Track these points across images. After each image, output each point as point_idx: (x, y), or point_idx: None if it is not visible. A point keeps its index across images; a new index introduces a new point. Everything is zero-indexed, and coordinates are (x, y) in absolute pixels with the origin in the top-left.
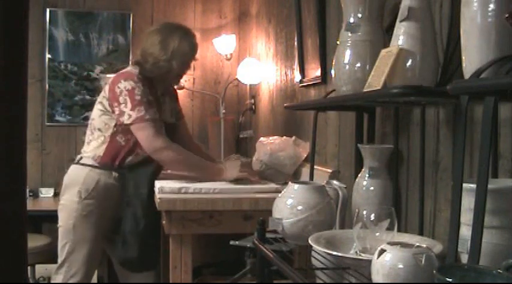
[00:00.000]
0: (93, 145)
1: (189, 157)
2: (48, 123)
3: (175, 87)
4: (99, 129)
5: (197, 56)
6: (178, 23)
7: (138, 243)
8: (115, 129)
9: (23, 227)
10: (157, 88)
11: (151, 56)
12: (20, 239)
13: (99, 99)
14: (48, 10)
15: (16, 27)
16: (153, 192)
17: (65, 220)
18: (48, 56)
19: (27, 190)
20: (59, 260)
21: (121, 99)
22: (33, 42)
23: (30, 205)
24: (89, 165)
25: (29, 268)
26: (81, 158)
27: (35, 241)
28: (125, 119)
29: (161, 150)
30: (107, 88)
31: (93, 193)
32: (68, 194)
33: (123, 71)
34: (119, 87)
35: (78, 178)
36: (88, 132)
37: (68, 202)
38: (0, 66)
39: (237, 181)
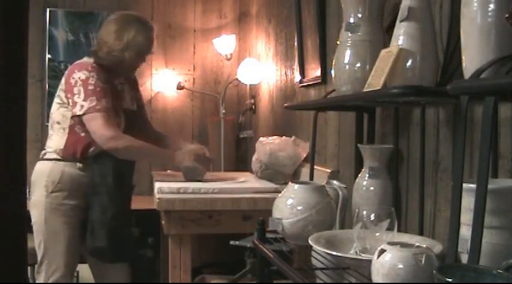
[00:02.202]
0: (54, 139)
1: (138, 145)
2: (48, 123)
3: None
4: (58, 122)
5: (153, 49)
6: (137, 14)
7: (106, 232)
8: (72, 120)
9: (23, 227)
10: (113, 76)
11: (106, 44)
12: (20, 239)
13: (57, 92)
14: (48, 10)
15: (16, 27)
16: (120, 180)
17: (36, 217)
18: (48, 56)
19: (27, 190)
20: (38, 259)
21: (75, 89)
22: (33, 42)
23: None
24: (53, 159)
25: (29, 268)
26: (45, 154)
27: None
28: (77, 110)
29: (110, 140)
30: (63, 80)
31: (60, 186)
32: (36, 190)
33: (78, 61)
34: (73, 78)
35: (43, 173)
36: (49, 126)
37: (37, 198)
38: (0, 66)
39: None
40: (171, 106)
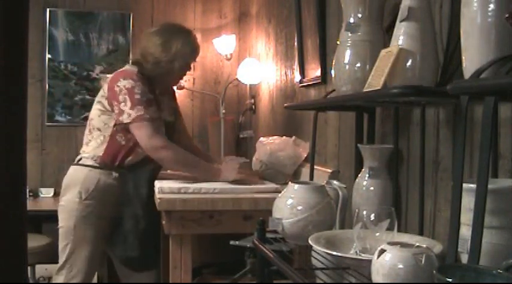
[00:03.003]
0: (92, 145)
1: (187, 156)
2: (48, 123)
3: (175, 87)
4: (98, 129)
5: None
6: (180, 24)
7: (139, 242)
8: (115, 128)
9: (23, 227)
10: (156, 87)
11: (152, 56)
12: (20, 239)
13: (97, 98)
14: (48, 10)
15: (16, 27)
16: (153, 191)
17: (65, 221)
18: (48, 56)
19: (27, 190)
20: (60, 262)
21: (120, 97)
22: (33, 42)
23: (30, 205)
24: (89, 165)
25: (29, 268)
26: (80, 159)
27: (35, 241)
28: (124, 118)
29: (160, 149)
30: (106, 87)
31: (93, 194)
32: (68, 195)
33: (122, 69)
34: (118, 86)
35: (78, 178)
36: (86, 132)
37: (68, 203)
38: (0, 66)
39: (235, 181)
40: None
